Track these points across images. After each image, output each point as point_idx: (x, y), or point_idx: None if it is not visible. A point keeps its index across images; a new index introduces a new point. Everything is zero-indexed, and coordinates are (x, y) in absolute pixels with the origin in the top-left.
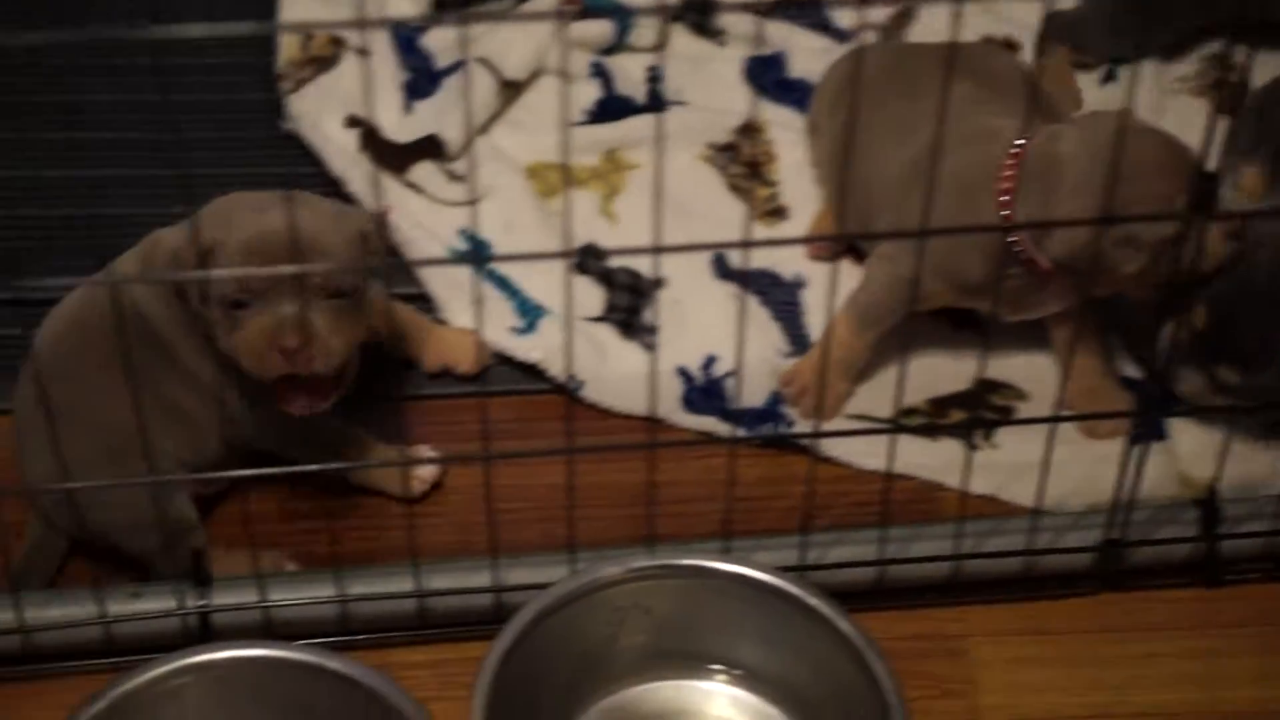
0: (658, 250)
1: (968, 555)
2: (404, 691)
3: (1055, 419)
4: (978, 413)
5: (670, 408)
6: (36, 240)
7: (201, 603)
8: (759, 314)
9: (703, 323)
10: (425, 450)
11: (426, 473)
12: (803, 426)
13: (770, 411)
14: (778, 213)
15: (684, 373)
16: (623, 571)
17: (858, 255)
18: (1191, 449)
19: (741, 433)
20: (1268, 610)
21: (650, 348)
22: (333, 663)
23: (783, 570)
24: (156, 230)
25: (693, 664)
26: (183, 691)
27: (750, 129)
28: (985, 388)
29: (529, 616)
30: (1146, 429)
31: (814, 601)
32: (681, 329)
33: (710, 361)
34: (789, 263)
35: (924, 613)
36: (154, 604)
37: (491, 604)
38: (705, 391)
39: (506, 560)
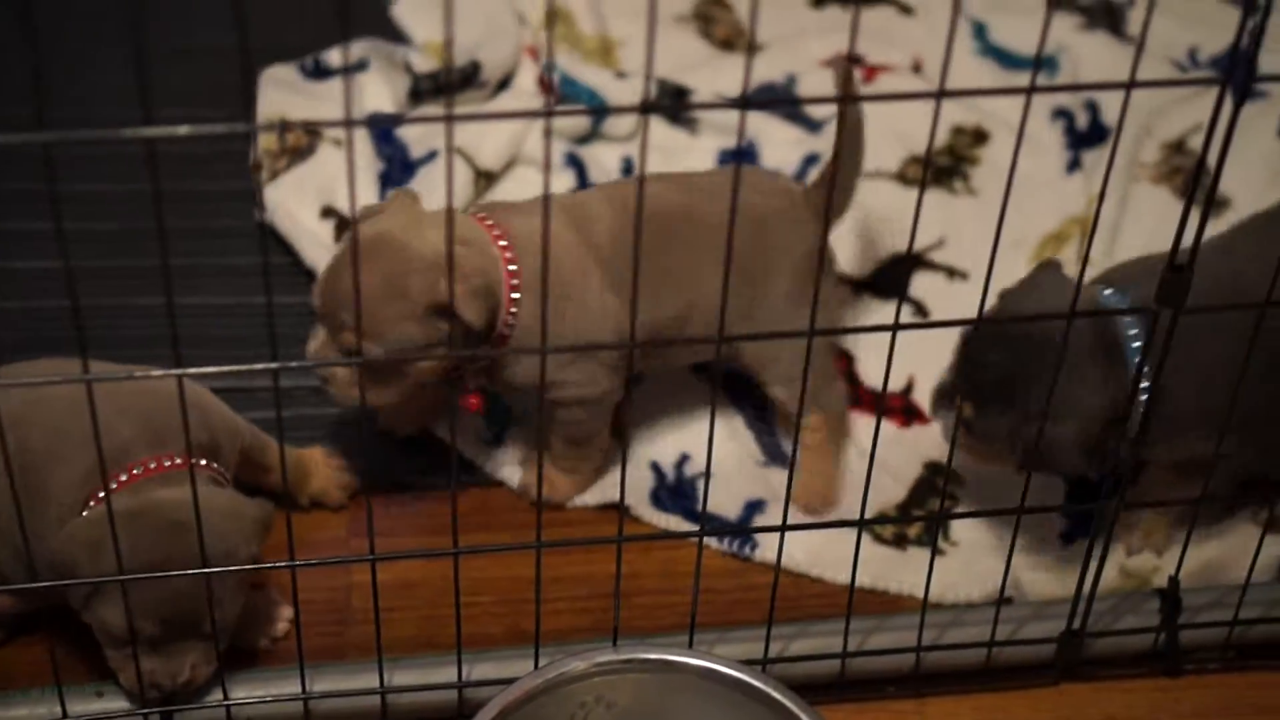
0: (633, 346)
1: (929, 647)
2: None
3: (1010, 510)
4: (930, 511)
5: (638, 499)
6: (10, 333)
7: (163, 703)
8: (734, 420)
9: (678, 420)
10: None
11: (280, 627)
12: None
13: (743, 523)
14: None
15: (656, 468)
16: (587, 666)
17: None
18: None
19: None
20: (1226, 700)
21: (622, 439)
22: None
23: (746, 663)
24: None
25: None
26: None
27: None
28: (931, 479)
29: (492, 713)
30: (1082, 523)
31: (778, 695)
32: (657, 423)
33: (684, 460)
34: None
35: (885, 704)
36: (116, 704)
37: (455, 700)
38: (674, 490)
39: (470, 655)
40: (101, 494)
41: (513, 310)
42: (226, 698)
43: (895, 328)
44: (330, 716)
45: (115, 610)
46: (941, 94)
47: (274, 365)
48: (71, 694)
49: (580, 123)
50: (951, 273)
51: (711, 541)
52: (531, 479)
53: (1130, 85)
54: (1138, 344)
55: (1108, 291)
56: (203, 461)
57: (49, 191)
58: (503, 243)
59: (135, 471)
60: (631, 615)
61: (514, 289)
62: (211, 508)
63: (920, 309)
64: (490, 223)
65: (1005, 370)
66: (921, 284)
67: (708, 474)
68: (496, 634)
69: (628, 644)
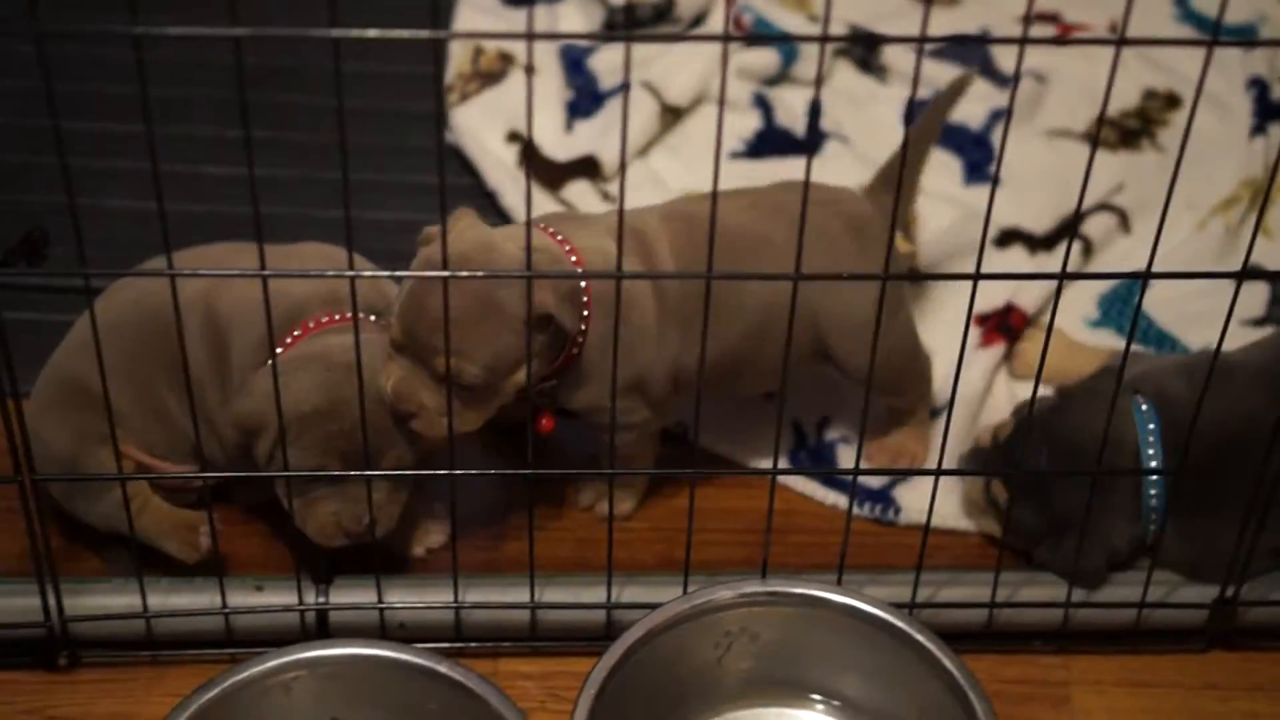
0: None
1: (1078, 604)
2: (510, 700)
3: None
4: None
5: (780, 461)
6: (197, 235)
7: (320, 600)
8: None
9: (820, 384)
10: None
11: (436, 539)
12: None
13: (885, 491)
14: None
15: (797, 428)
16: (733, 596)
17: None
18: None
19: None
20: None
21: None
22: (442, 667)
23: (892, 605)
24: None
25: (795, 692)
26: (294, 685)
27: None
28: None
29: (638, 635)
30: None
31: (921, 638)
32: (801, 387)
33: (825, 422)
34: None
35: (1029, 658)
36: (274, 599)
37: (603, 620)
38: (814, 454)
39: (621, 578)
40: (279, 351)
41: (582, 328)
42: (381, 601)
43: (1062, 276)
44: (480, 627)
45: (298, 451)
46: (1121, 42)
47: (444, 274)
48: (232, 585)
49: (769, 64)
50: (1124, 219)
51: (855, 507)
52: (591, 497)
53: None
54: (1155, 461)
55: (1141, 403)
56: (373, 318)
57: (239, 95)
58: (574, 257)
59: (310, 325)
60: (785, 553)
61: (585, 304)
62: (377, 353)
63: (1088, 246)
64: (560, 237)
65: (1045, 473)
66: (1095, 223)
67: (864, 422)
68: (648, 560)
69: (776, 578)
